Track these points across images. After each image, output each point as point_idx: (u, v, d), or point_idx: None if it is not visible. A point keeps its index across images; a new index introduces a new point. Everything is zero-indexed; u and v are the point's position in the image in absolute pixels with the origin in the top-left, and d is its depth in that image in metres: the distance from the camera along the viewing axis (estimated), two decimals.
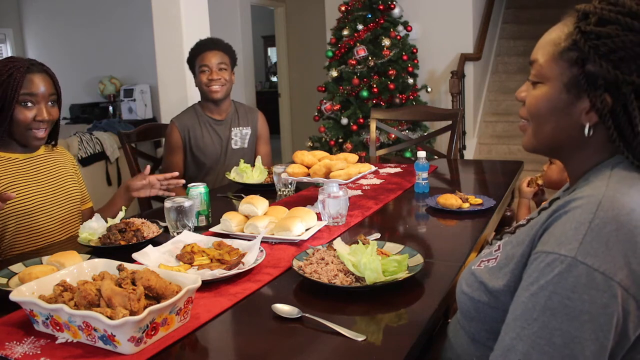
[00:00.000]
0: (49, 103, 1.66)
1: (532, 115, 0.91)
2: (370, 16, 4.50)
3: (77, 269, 1.13)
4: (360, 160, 2.10)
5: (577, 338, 0.71)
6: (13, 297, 0.99)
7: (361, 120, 4.41)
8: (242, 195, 1.96)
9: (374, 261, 1.13)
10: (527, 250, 0.83)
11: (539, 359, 0.73)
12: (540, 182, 1.93)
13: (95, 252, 1.43)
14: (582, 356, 0.71)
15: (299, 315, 1.03)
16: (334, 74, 4.56)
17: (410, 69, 4.53)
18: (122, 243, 1.47)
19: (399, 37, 4.50)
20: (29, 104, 1.61)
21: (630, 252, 0.72)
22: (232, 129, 2.51)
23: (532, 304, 0.75)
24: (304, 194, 2.04)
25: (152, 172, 2.66)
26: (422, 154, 1.99)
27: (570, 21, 0.86)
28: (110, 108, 7.12)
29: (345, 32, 4.54)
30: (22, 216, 1.64)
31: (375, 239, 1.37)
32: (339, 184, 1.66)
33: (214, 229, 1.56)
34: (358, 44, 4.47)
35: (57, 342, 0.96)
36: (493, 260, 0.90)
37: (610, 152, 0.86)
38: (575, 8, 0.87)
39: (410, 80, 4.52)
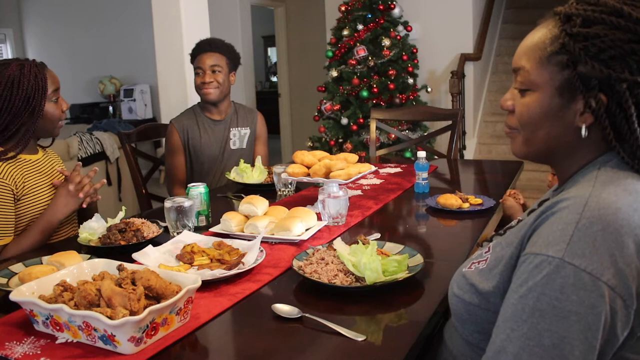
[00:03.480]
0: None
1: (524, 124, 0.90)
2: (370, 16, 4.50)
3: (77, 269, 1.13)
4: (360, 160, 2.11)
5: (566, 338, 0.71)
6: (13, 297, 0.99)
7: (361, 120, 4.41)
8: (242, 195, 1.96)
9: (374, 261, 1.13)
10: (516, 252, 0.83)
11: None
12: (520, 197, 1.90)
13: (95, 252, 1.43)
14: (572, 356, 0.71)
15: (299, 315, 1.03)
16: (334, 74, 4.57)
17: (410, 69, 4.53)
18: (122, 243, 1.47)
19: (399, 37, 4.50)
20: (56, 99, 1.70)
21: (617, 251, 0.73)
22: (231, 129, 2.51)
23: (521, 306, 0.75)
24: (304, 194, 2.04)
25: (151, 173, 2.68)
26: (422, 154, 1.99)
27: (551, 24, 0.86)
28: (110, 108, 7.13)
29: (345, 32, 4.54)
30: (22, 220, 1.64)
31: (375, 239, 1.37)
32: (339, 184, 1.66)
33: (214, 229, 1.56)
34: (358, 44, 4.47)
35: (57, 342, 0.96)
36: (483, 262, 0.91)
37: (599, 152, 0.86)
38: (553, 11, 0.87)
39: (410, 80, 4.52)
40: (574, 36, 0.82)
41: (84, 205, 1.68)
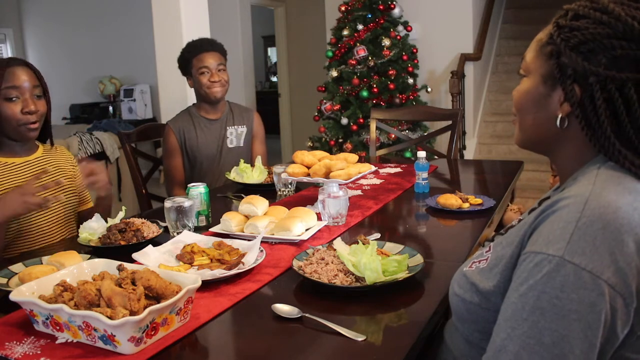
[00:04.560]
0: (35, 96, 1.64)
1: (516, 109, 0.96)
2: (370, 16, 4.50)
3: (77, 269, 1.13)
4: (360, 160, 2.11)
5: (566, 337, 0.72)
6: (13, 297, 0.99)
7: (361, 120, 4.41)
8: (242, 195, 1.96)
9: (374, 261, 1.13)
10: (517, 251, 0.83)
11: (529, 358, 0.73)
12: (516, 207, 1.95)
13: (95, 252, 1.43)
14: (572, 355, 0.71)
15: (299, 315, 1.03)
16: (334, 74, 4.56)
17: (410, 69, 4.53)
18: (122, 243, 1.47)
19: (399, 37, 4.50)
20: (14, 98, 1.60)
21: (617, 250, 0.73)
22: (227, 127, 2.52)
23: (521, 304, 0.76)
24: (304, 194, 2.04)
25: (151, 173, 2.68)
26: (422, 154, 1.99)
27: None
28: (110, 108, 7.12)
29: (345, 32, 4.54)
30: (20, 221, 1.63)
31: (375, 239, 1.37)
32: (339, 184, 1.66)
33: (214, 229, 1.56)
34: (358, 44, 4.47)
35: (57, 342, 0.96)
36: (484, 261, 0.91)
37: (596, 149, 0.87)
38: (562, 8, 0.90)
39: (410, 80, 4.52)
40: (561, 28, 0.86)
41: (35, 207, 1.51)
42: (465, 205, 1.73)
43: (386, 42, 4.40)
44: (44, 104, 1.67)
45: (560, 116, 0.87)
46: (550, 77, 0.87)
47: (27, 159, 1.72)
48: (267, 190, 2.08)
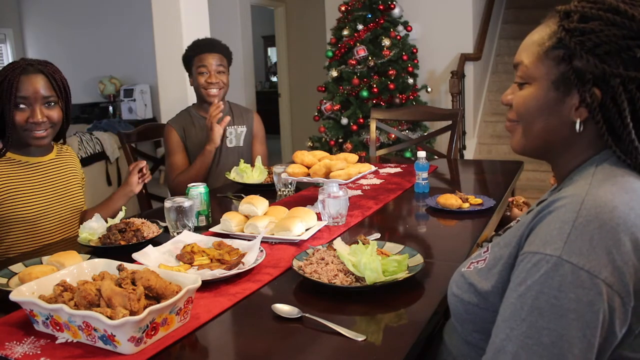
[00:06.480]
0: (45, 104, 1.63)
1: (521, 116, 0.92)
2: (370, 16, 4.50)
3: (77, 269, 1.13)
4: (360, 160, 2.11)
5: (564, 337, 0.72)
6: (13, 297, 0.99)
7: (361, 120, 4.41)
8: (242, 195, 1.96)
9: (374, 261, 1.13)
10: (514, 252, 0.84)
11: (528, 359, 0.73)
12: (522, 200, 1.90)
13: (95, 252, 1.43)
14: (571, 354, 0.71)
15: (299, 315, 1.03)
16: (334, 74, 4.56)
17: (410, 69, 4.53)
18: (122, 243, 1.47)
19: (399, 37, 4.50)
20: (22, 106, 1.61)
21: (614, 249, 0.73)
22: (227, 127, 2.51)
23: (520, 305, 0.76)
24: (304, 194, 2.04)
25: (152, 173, 2.67)
26: (422, 154, 1.99)
27: (552, 22, 0.88)
28: (110, 108, 7.12)
29: (345, 32, 4.54)
30: (26, 221, 1.65)
31: (375, 239, 1.37)
32: (339, 184, 1.66)
33: (214, 229, 1.56)
34: (358, 44, 4.47)
35: (57, 342, 0.96)
36: (482, 262, 0.91)
37: (597, 149, 0.87)
38: (555, 9, 0.89)
39: (410, 80, 4.52)
40: (571, 31, 0.84)
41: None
42: (465, 205, 1.73)
43: (386, 42, 4.40)
44: (57, 111, 1.67)
45: (579, 121, 0.85)
46: (563, 82, 0.85)
47: (40, 160, 1.73)
48: (267, 190, 2.08)
